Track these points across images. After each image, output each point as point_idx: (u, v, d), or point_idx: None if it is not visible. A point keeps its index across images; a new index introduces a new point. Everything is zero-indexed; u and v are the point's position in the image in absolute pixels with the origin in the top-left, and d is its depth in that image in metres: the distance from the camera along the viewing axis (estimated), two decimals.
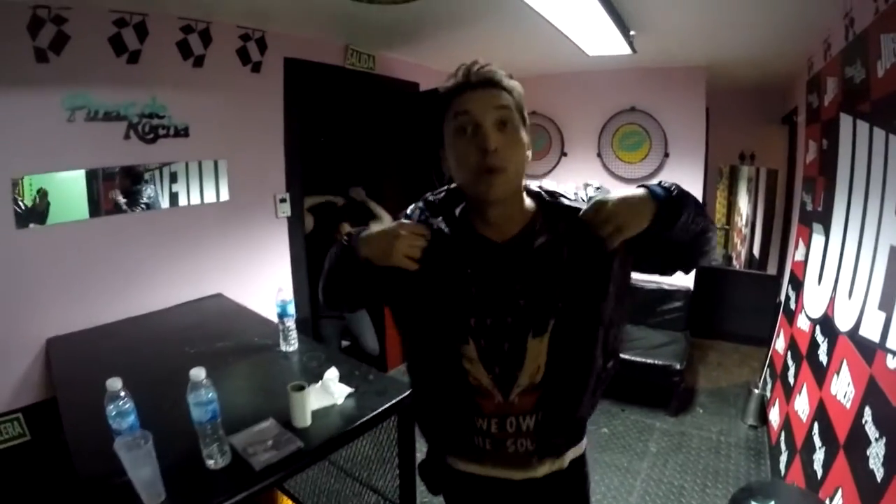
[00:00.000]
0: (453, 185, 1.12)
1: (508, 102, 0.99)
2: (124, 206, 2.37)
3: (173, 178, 2.55)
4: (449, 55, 3.54)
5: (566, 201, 1.07)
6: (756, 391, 3.38)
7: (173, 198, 2.56)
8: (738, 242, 5.20)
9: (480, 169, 0.95)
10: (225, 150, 2.74)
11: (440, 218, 1.09)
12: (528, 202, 1.08)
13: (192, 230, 2.66)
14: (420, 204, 1.16)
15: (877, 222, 1.87)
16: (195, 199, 2.65)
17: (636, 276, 1.13)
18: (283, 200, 3.04)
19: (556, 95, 4.38)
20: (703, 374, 4.28)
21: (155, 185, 2.48)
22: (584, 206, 0.97)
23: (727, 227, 5.19)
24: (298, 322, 3.19)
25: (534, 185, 1.13)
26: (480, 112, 0.96)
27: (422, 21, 2.80)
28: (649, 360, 3.52)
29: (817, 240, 2.65)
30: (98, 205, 2.29)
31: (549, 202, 1.07)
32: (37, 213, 2.09)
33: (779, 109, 4.38)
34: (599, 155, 4.29)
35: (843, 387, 1.97)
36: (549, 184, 1.15)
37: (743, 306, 4.83)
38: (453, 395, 1.06)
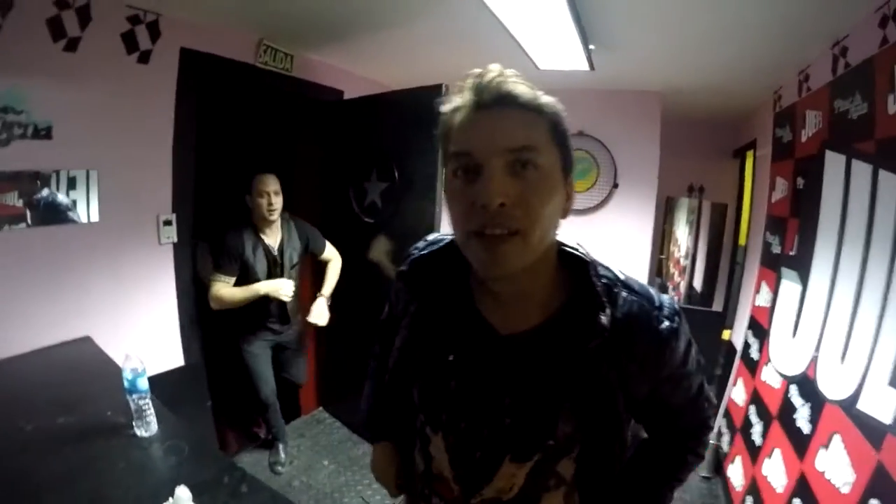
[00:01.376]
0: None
1: (534, 132, 0.69)
2: None
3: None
4: (378, 60, 3.16)
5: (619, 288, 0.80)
6: (710, 441, 3.10)
7: (35, 215, 2.04)
8: (676, 273, 5.05)
9: (476, 229, 0.68)
10: (97, 158, 2.20)
11: (431, 279, 0.87)
12: (561, 281, 0.80)
13: (53, 256, 2.12)
14: (412, 254, 0.93)
15: (884, 281, 1.60)
16: (59, 219, 2.11)
17: None
18: (167, 223, 2.49)
19: None
20: None
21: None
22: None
23: (662, 255, 5.03)
24: (188, 370, 2.72)
25: (578, 245, 0.84)
26: (484, 149, 0.67)
27: (347, 16, 2.39)
28: None
29: (789, 287, 2.40)
30: None
31: (590, 279, 0.78)
32: None
33: (731, 142, 4.23)
34: None
35: (836, 466, 1.71)
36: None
37: None
38: (415, 468, 0.95)
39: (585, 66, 2.72)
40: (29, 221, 2.02)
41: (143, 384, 1.48)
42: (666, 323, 0.77)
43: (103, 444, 1.44)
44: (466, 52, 2.79)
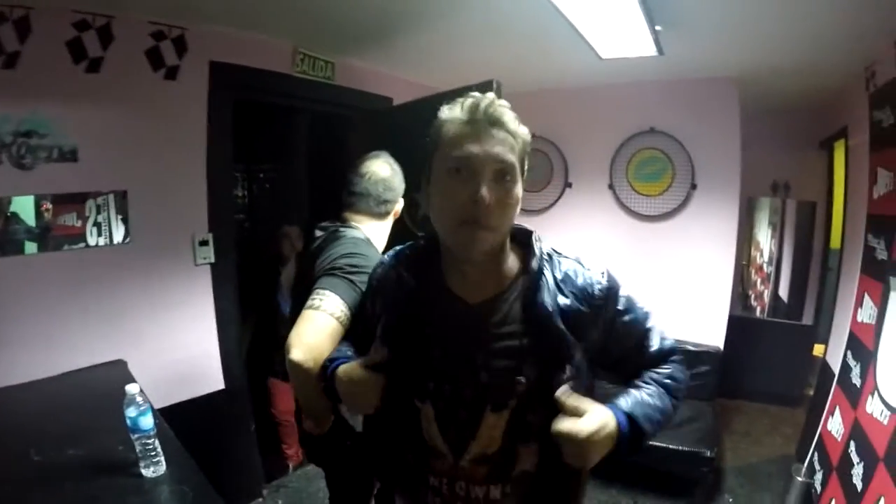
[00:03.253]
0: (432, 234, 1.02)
1: (513, 152, 0.90)
2: None
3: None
4: (425, 62, 3.02)
5: (562, 258, 1.01)
6: (799, 479, 2.69)
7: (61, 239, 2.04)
8: (759, 282, 4.57)
9: (467, 218, 0.87)
10: (125, 178, 2.17)
11: (409, 270, 1.02)
12: (513, 259, 1.00)
13: (84, 278, 2.10)
14: (390, 255, 1.11)
15: None
16: (91, 240, 2.10)
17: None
18: (203, 243, 2.41)
19: (559, 114, 3.72)
20: (730, 446, 3.56)
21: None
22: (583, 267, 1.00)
23: (744, 263, 4.56)
24: (229, 394, 2.62)
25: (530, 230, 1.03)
26: (481, 160, 0.87)
27: (386, 16, 2.25)
28: (671, 446, 2.75)
29: None
30: None
31: (535, 251, 0.98)
32: None
33: (816, 132, 3.77)
34: (611, 186, 3.63)
35: None
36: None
37: (771, 360, 4.15)
38: (409, 450, 1.01)
39: (653, 51, 2.48)
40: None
41: (147, 423, 1.36)
42: (597, 276, 0.97)
43: (105, 483, 1.34)
44: (519, 44, 2.61)
